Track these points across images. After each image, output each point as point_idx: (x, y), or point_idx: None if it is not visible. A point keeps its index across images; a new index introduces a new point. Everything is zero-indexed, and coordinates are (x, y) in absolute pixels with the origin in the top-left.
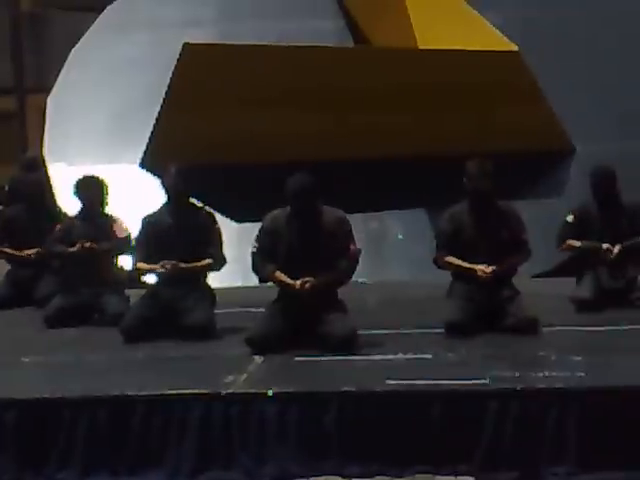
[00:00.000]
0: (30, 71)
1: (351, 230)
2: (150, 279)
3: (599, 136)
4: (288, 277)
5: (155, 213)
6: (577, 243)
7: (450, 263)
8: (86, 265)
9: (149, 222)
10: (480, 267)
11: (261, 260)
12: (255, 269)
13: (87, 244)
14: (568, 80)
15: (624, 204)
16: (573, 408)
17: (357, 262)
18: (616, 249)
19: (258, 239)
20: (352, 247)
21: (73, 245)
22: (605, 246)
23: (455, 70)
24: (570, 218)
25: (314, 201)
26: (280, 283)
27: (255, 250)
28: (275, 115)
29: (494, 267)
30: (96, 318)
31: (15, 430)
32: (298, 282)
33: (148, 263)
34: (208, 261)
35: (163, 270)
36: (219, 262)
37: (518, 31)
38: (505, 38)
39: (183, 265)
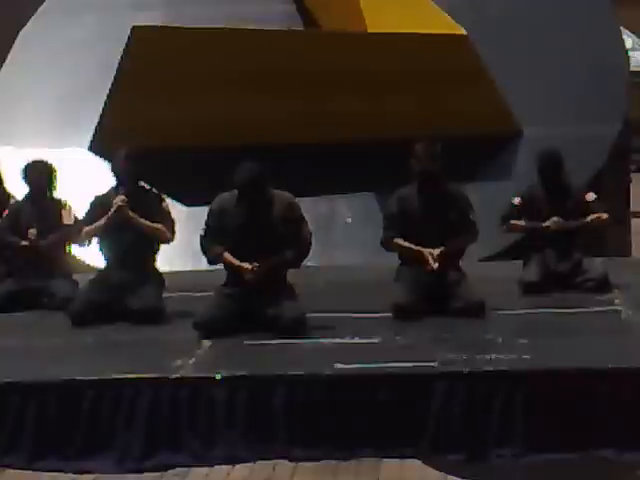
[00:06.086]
0: None
1: (302, 214)
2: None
3: (546, 120)
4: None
5: (105, 195)
6: (521, 223)
7: (400, 245)
8: (35, 251)
9: (101, 203)
10: (428, 251)
11: (210, 242)
12: (204, 251)
13: (33, 232)
14: (516, 63)
15: (571, 187)
16: (519, 390)
17: (310, 245)
18: (554, 219)
19: (206, 221)
20: (305, 230)
21: (21, 231)
22: (546, 224)
23: (404, 53)
24: (516, 200)
25: (263, 190)
26: (229, 265)
27: (203, 232)
28: (224, 99)
29: (441, 249)
30: (45, 302)
31: None
32: (247, 265)
33: None
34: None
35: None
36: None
37: (466, 14)
38: (453, 21)
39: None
